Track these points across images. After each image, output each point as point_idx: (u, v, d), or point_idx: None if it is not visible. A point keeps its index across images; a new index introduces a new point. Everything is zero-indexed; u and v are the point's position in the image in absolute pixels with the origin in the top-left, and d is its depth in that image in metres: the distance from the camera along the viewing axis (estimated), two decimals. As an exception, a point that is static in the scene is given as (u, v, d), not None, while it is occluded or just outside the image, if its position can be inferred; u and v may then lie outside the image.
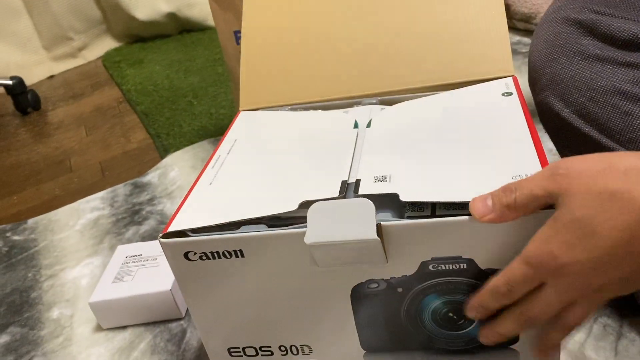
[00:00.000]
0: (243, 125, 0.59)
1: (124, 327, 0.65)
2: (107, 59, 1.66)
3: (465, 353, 0.46)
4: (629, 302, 0.54)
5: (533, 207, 0.37)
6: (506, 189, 0.37)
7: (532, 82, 0.59)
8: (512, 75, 0.54)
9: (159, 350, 0.61)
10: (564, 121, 0.54)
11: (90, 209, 0.91)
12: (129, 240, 0.81)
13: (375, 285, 0.44)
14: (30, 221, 0.91)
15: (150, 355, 0.61)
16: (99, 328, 0.66)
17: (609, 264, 0.34)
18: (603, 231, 0.34)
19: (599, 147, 0.51)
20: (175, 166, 0.98)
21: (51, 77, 1.66)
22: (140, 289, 0.63)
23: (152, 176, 0.97)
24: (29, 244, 0.85)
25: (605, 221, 0.33)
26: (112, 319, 0.65)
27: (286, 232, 0.42)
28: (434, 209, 0.42)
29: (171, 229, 0.45)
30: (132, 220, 0.85)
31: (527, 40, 1.13)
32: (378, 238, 0.40)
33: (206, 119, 1.14)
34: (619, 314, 0.53)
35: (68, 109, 1.38)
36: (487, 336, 0.42)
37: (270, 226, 0.44)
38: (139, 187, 0.94)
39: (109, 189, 0.96)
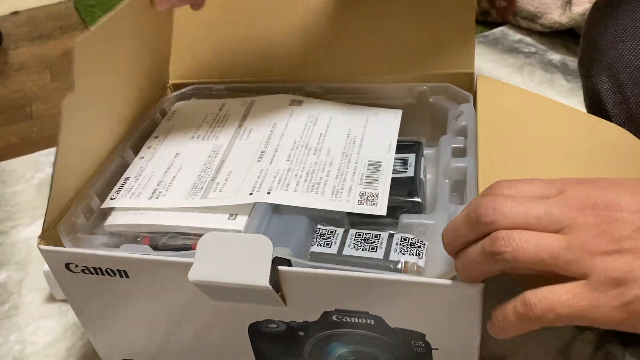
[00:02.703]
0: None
1: (81, 300, 0.59)
2: (80, 2, 1.54)
3: None
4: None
5: None
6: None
7: (587, 64, 0.56)
8: (472, 72, 0.54)
9: (119, 330, 0.55)
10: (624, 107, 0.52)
11: (50, 163, 0.83)
12: (92, 203, 0.74)
13: (274, 325, 0.40)
14: (-19, 169, 0.83)
15: (108, 336, 0.55)
16: (51, 298, 0.59)
17: None
18: None
19: None
20: (149, 127, 0.90)
21: (15, 13, 1.53)
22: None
23: (122, 134, 0.89)
24: (-22, 194, 0.77)
25: None
26: (68, 290, 0.58)
27: (172, 260, 0.38)
28: (342, 243, 0.39)
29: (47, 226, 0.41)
30: (97, 180, 0.78)
31: (528, 39, 1.09)
32: (270, 287, 0.35)
33: (185, 79, 1.07)
34: (622, 343, 0.51)
35: (32, 50, 1.27)
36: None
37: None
38: (107, 145, 0.87)
39: (73, 143, 0.88)
